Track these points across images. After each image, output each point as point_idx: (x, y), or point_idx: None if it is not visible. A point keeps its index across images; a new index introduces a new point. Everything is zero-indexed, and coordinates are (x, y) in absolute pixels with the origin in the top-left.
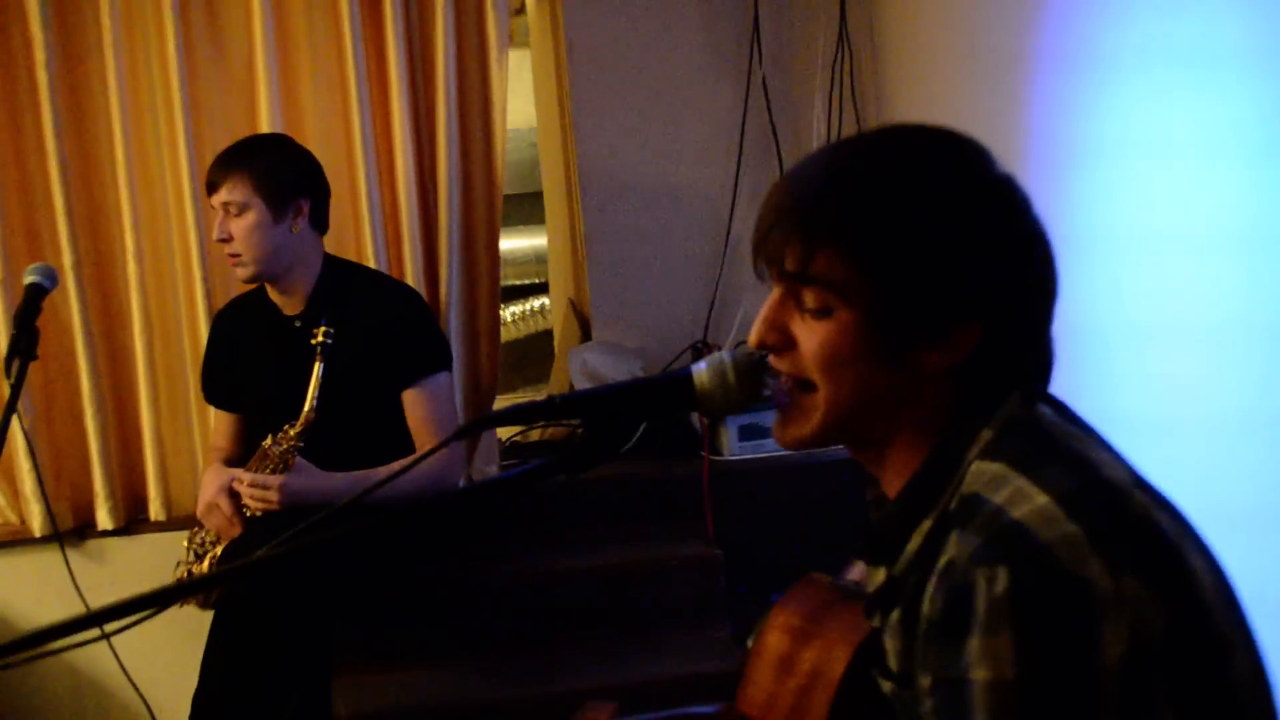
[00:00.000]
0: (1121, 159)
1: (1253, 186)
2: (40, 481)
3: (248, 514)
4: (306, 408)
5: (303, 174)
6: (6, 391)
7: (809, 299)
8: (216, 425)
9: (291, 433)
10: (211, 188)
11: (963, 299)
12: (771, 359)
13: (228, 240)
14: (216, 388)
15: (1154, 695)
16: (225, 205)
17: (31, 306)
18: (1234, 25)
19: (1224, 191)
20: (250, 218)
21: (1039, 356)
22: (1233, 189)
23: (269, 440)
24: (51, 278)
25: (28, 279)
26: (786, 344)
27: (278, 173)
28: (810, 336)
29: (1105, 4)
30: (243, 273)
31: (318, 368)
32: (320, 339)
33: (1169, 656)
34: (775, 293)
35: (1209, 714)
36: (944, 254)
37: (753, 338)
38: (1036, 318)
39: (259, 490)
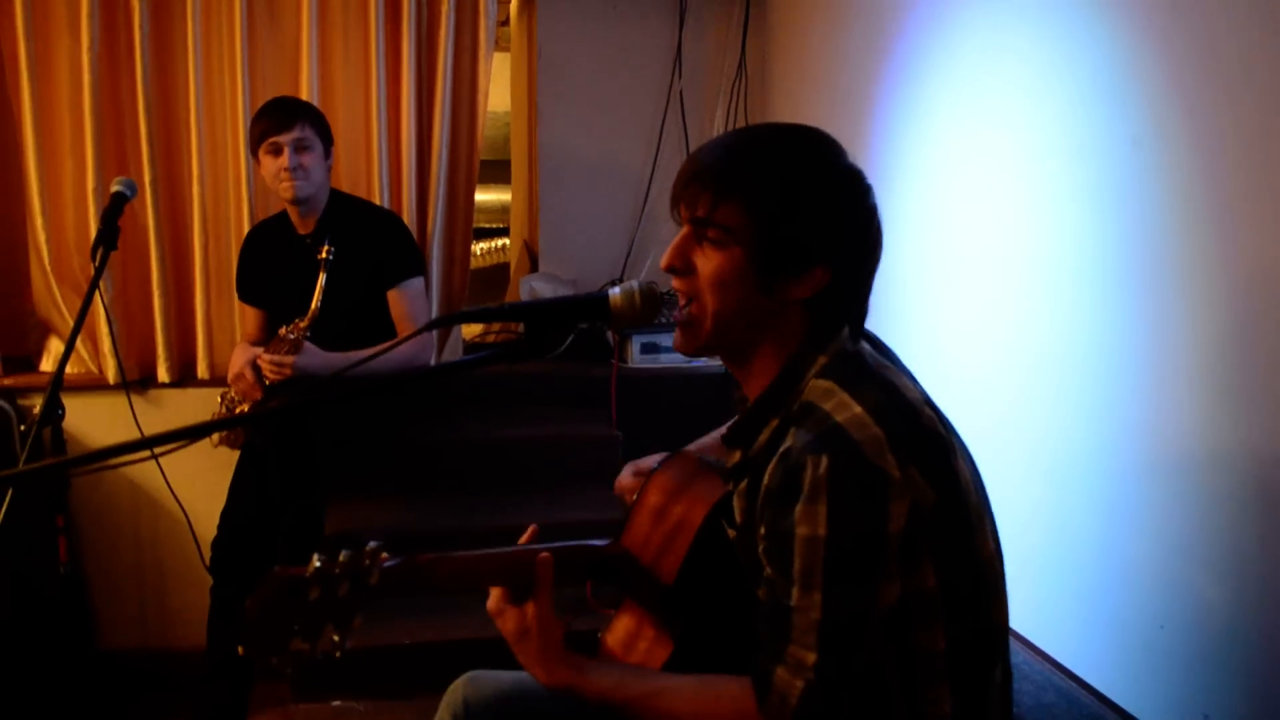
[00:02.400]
0: (933, 176)
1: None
2: (115, 342)
3: (266, 383)
4: (313, 306)
5: (331, 130)
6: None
7: (710, 234)
8: (246, 318)
9: (302, 325)
10: (285, 127)
11: (820, 248)
12: (675, 281)
13: (298, 168)
14: (246, 289)
15: (920, 556)
16: (299, 140)
17: (115, 209)
18: (1021, 71)
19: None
20: (317, 153)
21: (863, 303)
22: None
23: (284, 329)
24: (132, 188)
25: (114, 188)
26: (687, 269)
27: (326, 124)
28: (706, 264)
29: (928, 60)
30: (299, 192)
31: (322, 277)
32: (324, 255)
33: (933, 529)
34: (684, 230)
35: (956, 572)
36: (811, 214)
37: (664, 261)
38: (867, 271)
39: (276, 366)
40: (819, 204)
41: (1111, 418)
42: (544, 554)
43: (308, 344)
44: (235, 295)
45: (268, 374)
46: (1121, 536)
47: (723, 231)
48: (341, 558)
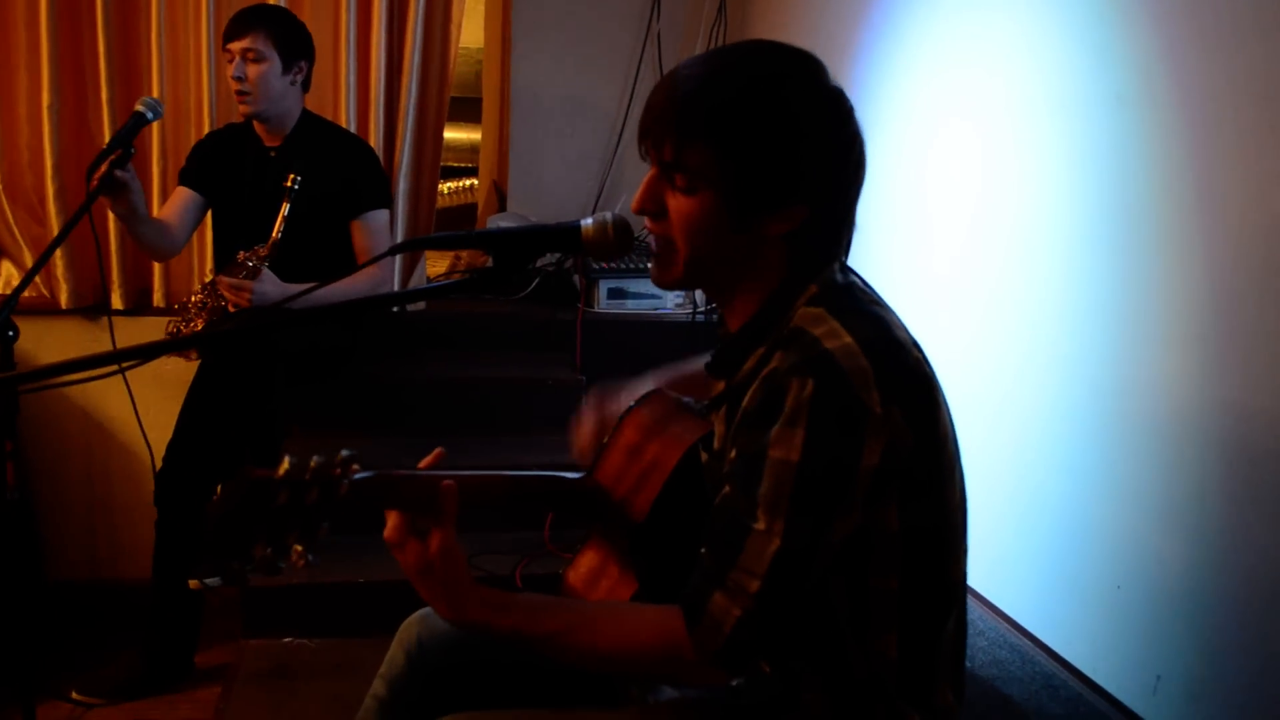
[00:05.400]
0: (912, 126)
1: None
2: (84, 266)
3: (225, 306)
4: (274, 235)
5: (306, 42)
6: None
7: (679, 180)
8: (171, 200)
9: (261, 253)
10: (236, 35)
11: (797, 183)
12: (648, 223)
13: (243, 79)
14: (190, 170)
15: (889, 498)
16: (246, 51)
17: (132, 129)
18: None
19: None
20: (266, 66)
21: (848, 231)
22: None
23: (242, 254)
24: (155, 110)
25: (137, 107)
26: (660, 211)
27: (291, 36)
28: (678, 208)
29: (912, 8)
30: (247, 108)
31: (285, 207)
32: (289, 184)
33: (906, 473)
34: (652, 171)
35: (921, 518)
36: (786, 149)
37: (634, 204)
38: (850, 201)
39: (234, 290)
40: (794, 138)
41: (1081, 375)
42: (448, 482)
43: (266, 270)
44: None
45: (227, 294)
46: (1083, 496)
47: (690, 175)
48: (313, 463)
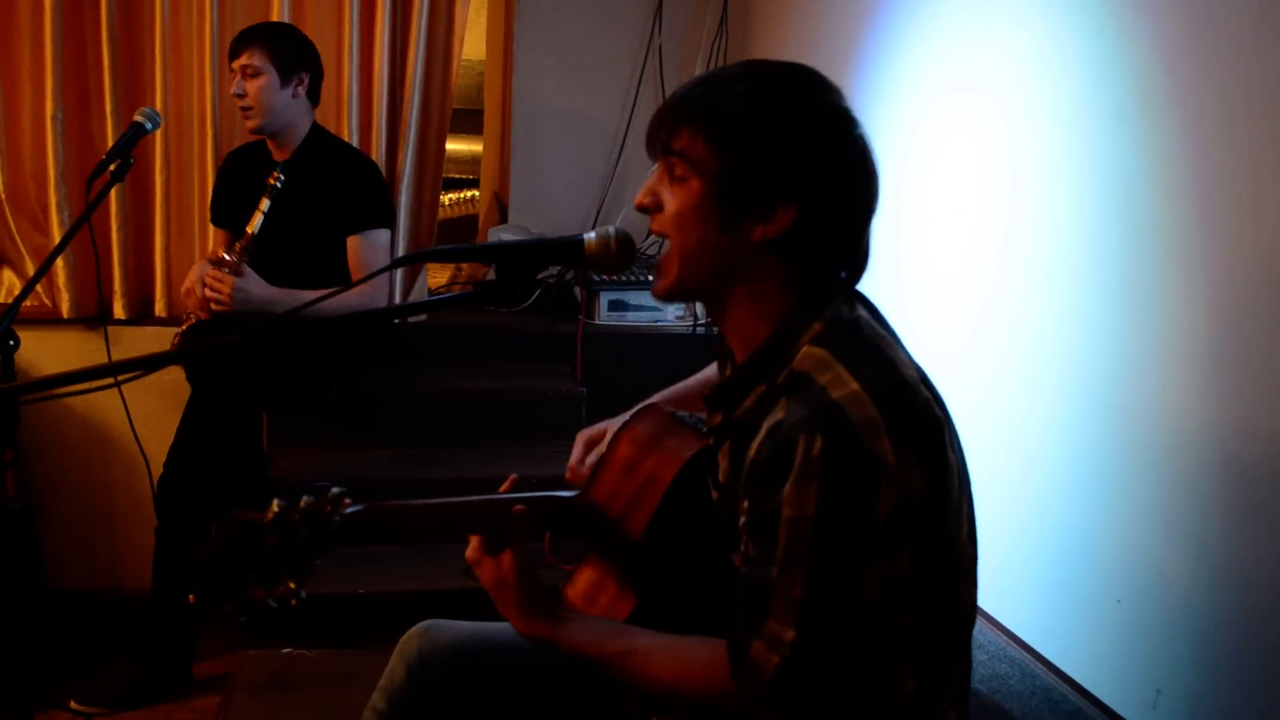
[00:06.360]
0: (912, 143)
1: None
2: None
3: (212, 307)
4: (248, 230)
5: (306, 54)
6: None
7: (676, 169)
8: (217, 238)
9: (238, 247)
10: (235, 53)
11: (784, 186)
12: (651, 223)
13: (243, 96)
14: (217, 210)
15: (901, 541)
16: (244, 68)
17: (130, 140)
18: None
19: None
20: (263, 80)
21: (855, 254)
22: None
23: (221, 251)
24: (154, 121)
25: (136, 118)
26: (657, 206)
27: (288, 49)
28: (671, 199)
29: (912, 23)
30: (250, 123)
31: (264, 202)
32: (272, 181)
33: (917, 515)
34: (657, 169)
35: (932, 556)
36: (775, 148)
37: (636, 200)
38: (849, 217)
39: (215, 281)
40: (785, 137)
41: (1083, 391)
42: (519, 507)
43: (248, 269)
44: (198, 227)
45: (207, 292)
46: (1083, 510)
47: (685, 164)
48: (302, 503)
